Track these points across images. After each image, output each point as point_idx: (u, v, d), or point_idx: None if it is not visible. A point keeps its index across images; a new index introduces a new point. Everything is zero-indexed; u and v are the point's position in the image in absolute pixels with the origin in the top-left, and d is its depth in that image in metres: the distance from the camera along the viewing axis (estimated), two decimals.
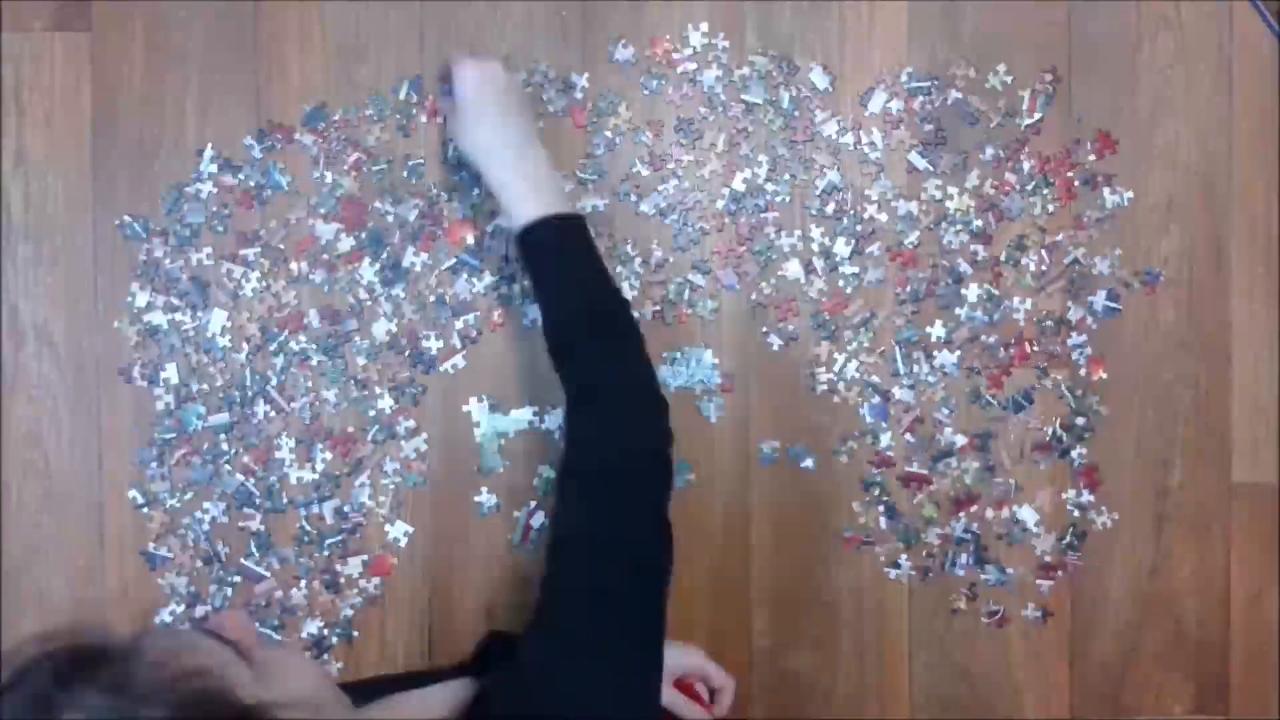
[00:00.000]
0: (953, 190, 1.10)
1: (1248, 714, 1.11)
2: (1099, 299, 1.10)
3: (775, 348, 1.10)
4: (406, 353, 1.09)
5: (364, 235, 1.09)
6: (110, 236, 1.09)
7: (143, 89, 1.09)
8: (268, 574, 1.08)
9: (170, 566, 1.08)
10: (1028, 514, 1.10)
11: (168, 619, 1.08)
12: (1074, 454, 1.10)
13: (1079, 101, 1.11)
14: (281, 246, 1.08)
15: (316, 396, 1.08)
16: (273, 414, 1.08)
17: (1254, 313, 1.11)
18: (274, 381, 1.08)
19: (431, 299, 1.09)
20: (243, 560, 1.08)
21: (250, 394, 1.08)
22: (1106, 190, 1.10)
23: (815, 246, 1.10)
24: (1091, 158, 1.10)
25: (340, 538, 1.09)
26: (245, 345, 1.08)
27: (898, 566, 1.10)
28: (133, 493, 1.08)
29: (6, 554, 1.08)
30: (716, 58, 1.10)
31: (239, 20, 1.09)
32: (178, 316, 1.08)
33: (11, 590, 1.08)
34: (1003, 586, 1.10)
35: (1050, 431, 1.10)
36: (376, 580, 1.09)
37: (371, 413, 1.09)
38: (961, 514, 1.10)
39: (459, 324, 1.09)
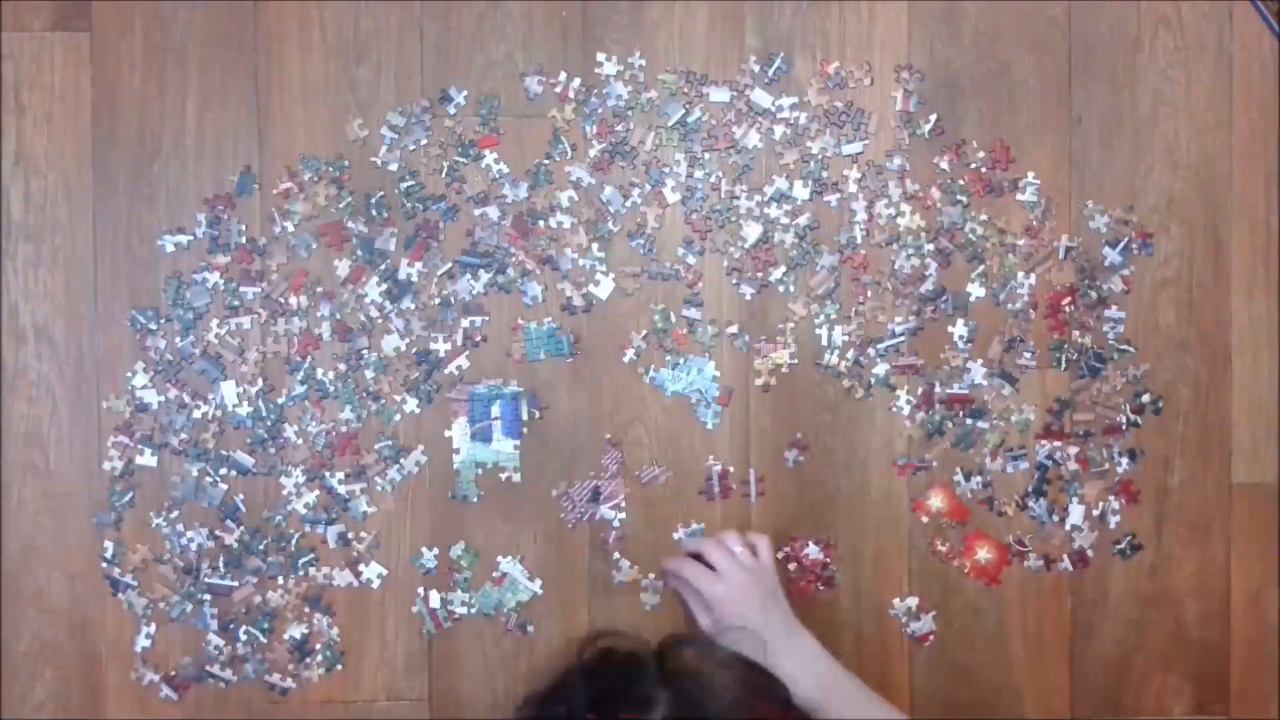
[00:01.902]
0: (905, 208, 1.10)
1: (1248, 714, 1.11)
2: (1112, 253, 1.10)
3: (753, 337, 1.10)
4: (413, 351, 1.09)
5: (357, 252, 1.09)
6: (110, 236, 1.09)
7: (143, 89, 1.09)
8: (236, 584, 1.08)
9: (134, 589, 1.08)
10: (1076, 510, 1.11)
11: (145, 643, 1.08)
12: (1122, 461, 1.11)
13: (1079, 101, 1.11)
14: (281, 299, 1.08)
15: (334, 423, 1.09)
16: (297, 442, 1.09)
17: (1254, 313, 1.11)
18: (288, 407, 1.09)
19: (436, 301, 1.09)
20: (208, 579, 1.08)
21: (270, 428, 1.08)
22: (1018, 195, 1.10)
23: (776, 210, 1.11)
24: (985, 165, 1.10)
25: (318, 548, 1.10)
26: (261, 382, 1.08)
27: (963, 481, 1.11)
28: (106, 543, 1.08)
29: (6, 554, 1.08)
30: (633, 76, 1.10)
31: (239, 20, 1.09)
32: (185, 398, 1.08)
33: (11, 590, 1.08)
34: (1042, 529, 1.11)
35: (1124, 418, 1.11)
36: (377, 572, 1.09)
37: (398, 417, 1.09)
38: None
39: (465, 322, 1.09)
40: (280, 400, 1.08)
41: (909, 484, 1.11)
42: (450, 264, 1.09)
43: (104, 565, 1.08)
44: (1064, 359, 1.10)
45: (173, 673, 1.08)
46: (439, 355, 1.09)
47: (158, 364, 1.08)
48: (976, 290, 1.10)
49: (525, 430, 1.10)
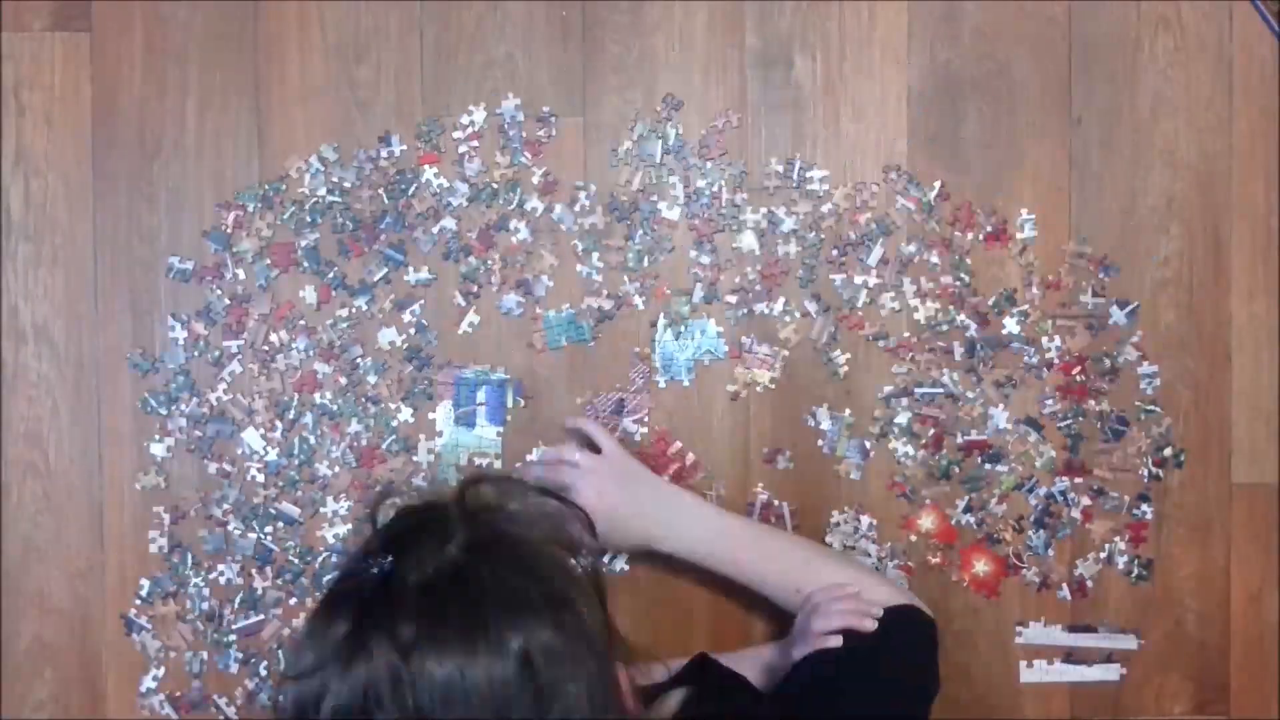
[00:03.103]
0: (914, 302, 1.09)
1: (1248, 714, 1.11)
2: (1119, 313, 1.10)
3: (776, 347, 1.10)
4: (405, 347, 1.09)
5: (304, 264, 1.08)
6: (110, 236, 1.09)
7: (143, 89, 1.09)
8: (263, 616, 1.08)
9: (148, 632, 1.08)
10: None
11: (151, 684, 1.08)
12: (1142, 507, 1.11)
13: (1079, 101, 1.11)
14: (265, 347, 1.08)
15: (350, 437, 1.08)
16: (335, 470, 1.09)
17: (1254, 313, 1.11)
18: (311, 443, 1.08)
19: (389, 305, 1.09)
20: (234, 625, 1.08)
21: (299, 467, 1.08)
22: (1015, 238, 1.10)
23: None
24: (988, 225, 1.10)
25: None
26: (280, 424, 1.08)
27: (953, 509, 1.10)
28: (136, 603, 1.09)
29: (6, 554, 1.08)
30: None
31: (239, 20, 1.09)
32: (227, 467, 1.08)
33: (11, 590, 1.08)
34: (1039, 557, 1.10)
35: (1146, 472, 1.10)
36: None
37: (394, 423, 1.09)
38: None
39: (406, 315, 1.09)
40: (310, 439, 1.08)
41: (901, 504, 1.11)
42: (384, 269, 1.08)
43: (136, 604, 1.09)
44: (1076, 425, 1.10)
45: (178, 693, 1.09)
46: (429, 354, 1.09)
47: (187, 444, 1.08)
48: (1012, 326, 1.10)
49: (509, 418, 1.09)
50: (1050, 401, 1.10)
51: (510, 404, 1.09)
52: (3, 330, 1.08)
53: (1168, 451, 1.10)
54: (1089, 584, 1.10)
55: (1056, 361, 1.10)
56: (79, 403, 1.09)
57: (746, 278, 1.10)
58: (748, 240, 1.10)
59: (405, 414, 1.09)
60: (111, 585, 1.09)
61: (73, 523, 1.09)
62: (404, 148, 1.09)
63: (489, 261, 1.09)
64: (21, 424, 1.09)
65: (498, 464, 1.09)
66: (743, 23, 1.10)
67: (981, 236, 1.10)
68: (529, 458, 1.09)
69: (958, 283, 1.09)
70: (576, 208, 1.09)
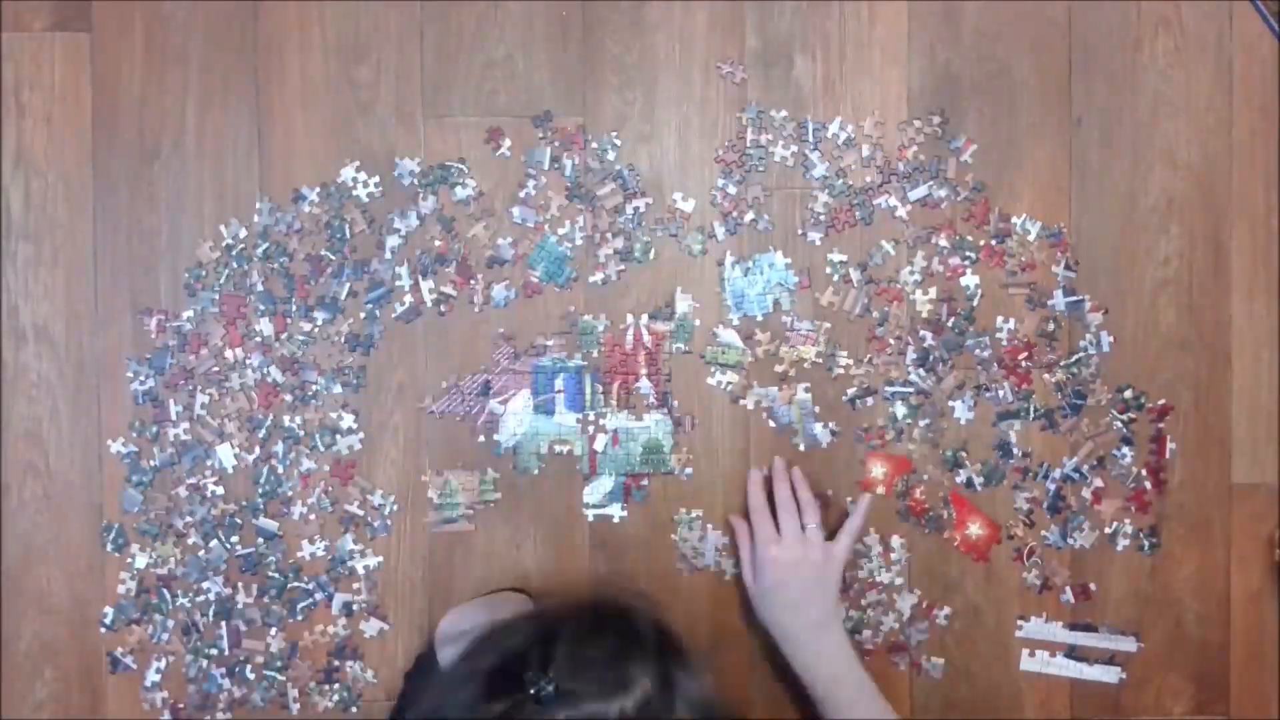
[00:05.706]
0: (918, 290, 1.10)
1: (1248, 714, 1.11)
2: (1061, 299, 1.10)
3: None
4: (343, 339, 1.09)
5: (259, 307, 1.08)
6: (110, 236, 1.09)
7: (143, 89, 1.09)
8: (245, 626, 1.09)
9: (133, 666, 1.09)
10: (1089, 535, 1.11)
11: (155, 677, 1.08)
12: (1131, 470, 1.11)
13: (1079, 101, 1.11)
14: (219, 370, 1.08)
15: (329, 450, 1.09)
16: (305, 514, 1.09)
17: (1254, 313, 1.11)
18: (280, 470, 1.09)
19: (363, 315, 1.09)
20: (218, 630, 1.09)
21: (268, 491, 1.09)
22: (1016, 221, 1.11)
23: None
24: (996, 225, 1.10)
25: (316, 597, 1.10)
26: (258, 449, 1.08)
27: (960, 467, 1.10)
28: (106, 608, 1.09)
29: (6, 554, 1.08)
30: None
31: (239, 20, 1.09)
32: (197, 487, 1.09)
33: (11, 590, 1.08)
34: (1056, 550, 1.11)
35: (1119, 424, 1.10)
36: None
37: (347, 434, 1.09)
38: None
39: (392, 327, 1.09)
40: (278, 465, 1.08)
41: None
42: (362, 308, 1.09)
43: (103, 632, 1.09)
44: (1033, 409, 1.10)
45: (180, 704, 1.09)
46: (372, 338, 1.09)
47: (155, 482, 1.09)
48: (970, 281, 1.10)
49: (588, 404, 1.09)
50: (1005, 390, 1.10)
51: (589, 391, 1.09)
52: (3, 330, 1.08)
53: (1129, 394, 1.10)
54: (1091, 588, 1.10)
55: (1005, 345, 1.10)
56: (79, 403, 1.09)
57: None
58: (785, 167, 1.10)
59: (348, 420, 1.09)
60: (111, 585, 1.09)
61: (73, 523, 1.09)
62: (316, 194, 1.09)
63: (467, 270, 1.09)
64: (21, 424, 1.09)
65: (578, 450, 1.09)
66: (743, 23, 1.10)
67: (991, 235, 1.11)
68: (753, 473, 1.08)
69: (965, 262, 1.10)
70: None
